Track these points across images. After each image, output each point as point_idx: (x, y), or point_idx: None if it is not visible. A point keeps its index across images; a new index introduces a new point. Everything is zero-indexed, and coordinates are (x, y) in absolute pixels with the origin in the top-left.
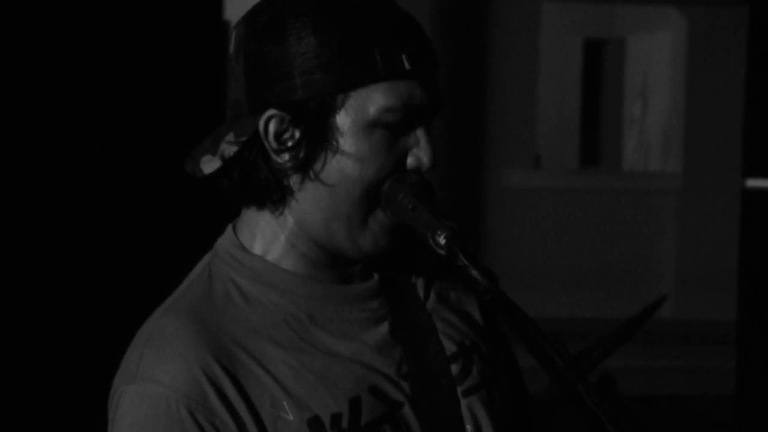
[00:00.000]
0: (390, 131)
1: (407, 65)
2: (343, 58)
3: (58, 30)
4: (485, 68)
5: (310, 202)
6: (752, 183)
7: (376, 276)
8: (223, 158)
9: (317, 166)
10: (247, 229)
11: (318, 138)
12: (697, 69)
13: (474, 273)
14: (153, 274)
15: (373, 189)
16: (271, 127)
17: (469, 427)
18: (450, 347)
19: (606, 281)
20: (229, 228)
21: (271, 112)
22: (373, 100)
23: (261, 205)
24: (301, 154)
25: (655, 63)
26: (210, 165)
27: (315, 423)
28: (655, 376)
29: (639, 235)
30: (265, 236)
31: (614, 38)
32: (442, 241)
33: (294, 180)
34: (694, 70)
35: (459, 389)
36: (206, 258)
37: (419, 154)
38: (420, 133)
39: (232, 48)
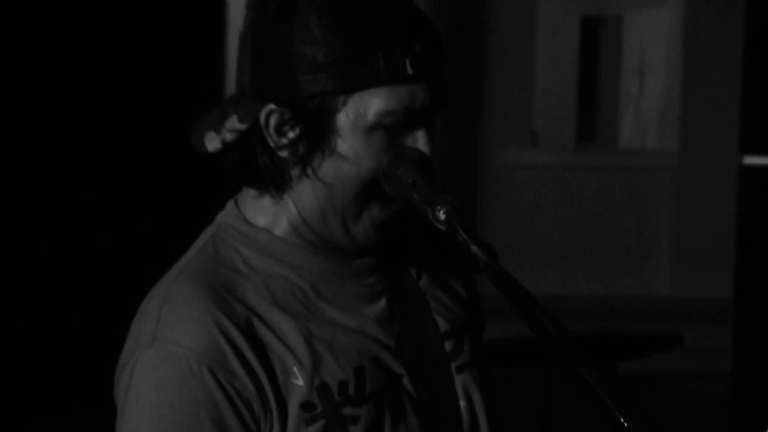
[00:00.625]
0: (389, 132)
1: (410, 70)
2: (346, 59)
3: (55, 12)
4: (481, 45)
5: (308, 195)
6: (749, 160)
7: (370, 255)
8: (224, 143)
9: (315, 163)
10: (250, 205)
11: (317, 137)
12: (694, 46)
13: (474, 248)
14: (146, 268)
15: (369, 186)
16: (272, 120)
17: (462, 402)
18: (443, 325)
19: (601, 258)
20: (231, 203)
21: (272, 106)
22: (373, 103)
23: (262, 188)
24: (300, 151)
25: (652, 40)
26: (212, 143)
27: (323, 389)
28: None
29: (635, 213)
30: (269, 214)
31: (611, 15)
32: (441, 216)
33: (293, 172)
34: (690, 47)
35: (453, 365)
36: (208, 231)
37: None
38: (420, 134)
39: (242, 30)
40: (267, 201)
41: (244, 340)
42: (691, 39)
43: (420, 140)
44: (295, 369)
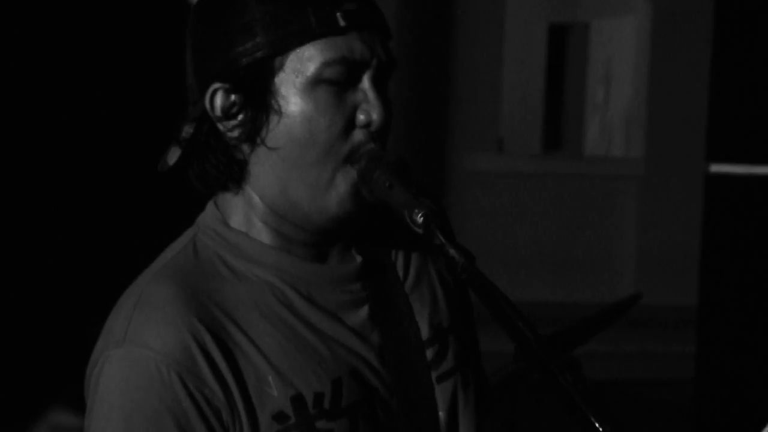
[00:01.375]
0: (334, 87)
1: (342, 22)
2: (278, 22)
3: (14, 15)
4: (450, 51)
5: (266, 173)
6: (716, 168)
7: (358, 259)
8: (180, 143)
9: (263, 132)
10: (227, 206)
11: (260, 103)
12: (661, 55)
13: (451, 252)
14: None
15: (328, 148)
16: (217, 101)
17: (442, 413)
18: (426, 330)
19: (567, 266)
20: (211, 204)
21: (214, 86)
22: (309, 56)
23: (224, 186)
24: (248, 123)
25: (619, 48)
26: (173, 155)
27: (298, 400)
28: (615, 361)
29: (600, 220)
30: (239, 213)
31: (578, 23)
32: (419, 219)
33: (246, 151)
34: (657, 55)
35: (434, 375)
36: (189, 232)
37: (368, 108)
38: (367, 87)
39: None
40: (235, 200)
41: (217, 347)
42: (658, 47)
43: (369, 94)
44: (270, 378)
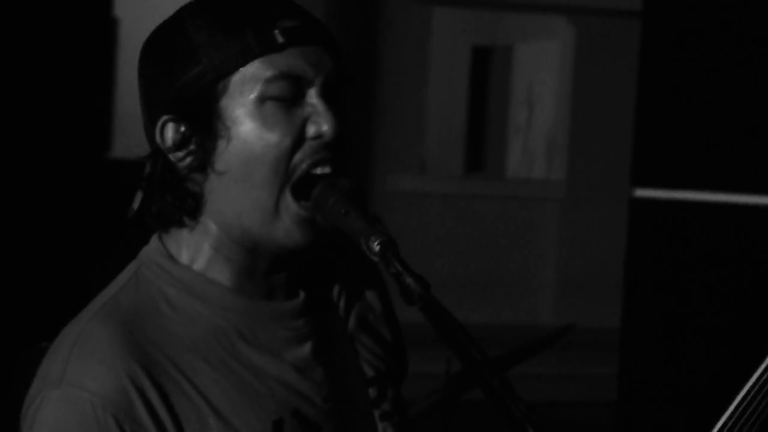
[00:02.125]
0: (281, 103)
1: (280, 39)
2: (218, 46)
3: None
4: (374, 73)
5: (221, 199)
6: (641, 192)
7: (302, 294)
8: (141, 186)
9: (213, 157)
10: (172, 240)
11: (207, 128)
12: (584, 78)
13: (408, 280)
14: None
15: (277, 165)
16: (168, 133)
17: None
18: (368, 371)
19: (488, 286)
20: (155, 238)
21: (163, 118)
22: (251, 76)
23: (179, 222)
24: (198, 151)
25: (542, 71)
26: (137, 200)
27: None
28: (538, 382)
29: (522, 242)
30: (190, 246)
31: (501, 46)
32: (376, 247)
33: (200, 181)
34: (580, 79)
35: (376, 413)
36: (132, 267)
37: (318, 120)
38: (315, 101)
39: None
40: (187, 231)
41: (155, 389)
42: (582, 70)
43: (318, 107)
44: (210, 420)
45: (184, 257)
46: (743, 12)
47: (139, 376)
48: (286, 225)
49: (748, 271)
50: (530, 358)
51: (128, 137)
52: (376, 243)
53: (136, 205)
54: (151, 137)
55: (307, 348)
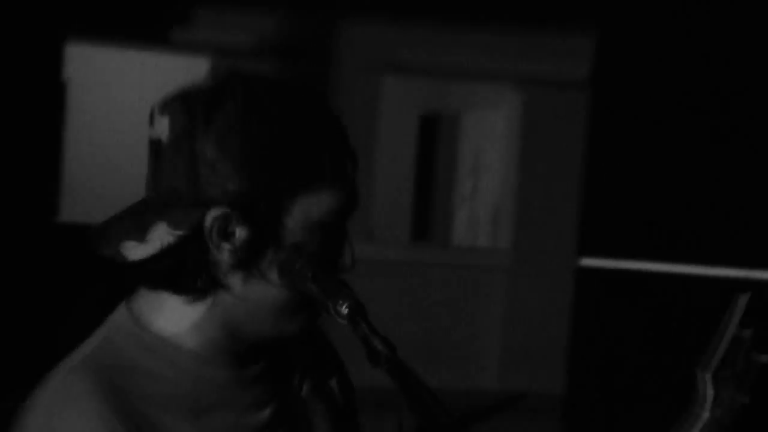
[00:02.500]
0: (328, 231)
1: (350, 171)
2: (294, 161)
3: None
4: None
5: (246, 297)
6: (587, 262)
7: (261, 362)
8: (157, 247)
9: (263, 264)
10: (146, 305)
11: (268, 237)
12: (531, 148)
13: (376, 343)
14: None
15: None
16: (218, 223)
17: None
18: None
19: (432, 354)
20: (122, 307)
21: (218, 210)
22: (320, 203)
23: (180, 292)
24: (245, 252)
25: (489, 140)
26: (136, 252)
27: None
28: None
29: (467, 310)
30: (170, 315)
31: (449, 115)
32: (344, 310)
33: (230, 275)
34: (527, 148)
35: None
36: (100, 332)
37: (348, 252)
38: (347, 231)
39: (165, 135)
40: (175, 302)
41: None
42: (528, 140)
43: (349, 239)
44: None
45: (157, 323)
46: (690, 86)
47: (117, 429)
48: (302, 320)
49: (693, 336)
50: (480, 423)
51: (76, 201)
52: (344, 306)
53: (133, 256)
54: (185, 205)
55: (267, 412)
